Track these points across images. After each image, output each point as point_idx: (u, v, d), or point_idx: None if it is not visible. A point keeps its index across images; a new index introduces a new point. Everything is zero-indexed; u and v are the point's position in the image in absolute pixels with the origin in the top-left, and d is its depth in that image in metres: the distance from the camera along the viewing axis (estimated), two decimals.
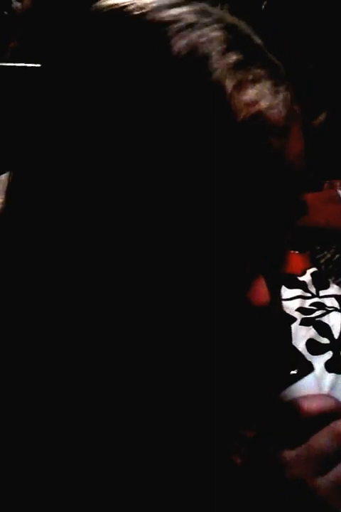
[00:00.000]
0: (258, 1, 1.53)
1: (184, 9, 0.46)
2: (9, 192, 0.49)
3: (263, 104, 0.44)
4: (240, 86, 0.43)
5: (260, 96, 0.44)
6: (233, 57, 0.44)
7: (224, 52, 0.44)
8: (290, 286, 1.20)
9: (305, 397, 0.49)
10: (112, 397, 0.47)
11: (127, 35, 0.45)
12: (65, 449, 0.47)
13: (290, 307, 1.15)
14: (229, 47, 0.44)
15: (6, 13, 2.29)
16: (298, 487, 0.47)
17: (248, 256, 0.45)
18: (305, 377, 0.50)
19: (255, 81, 0.44)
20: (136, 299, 0.45)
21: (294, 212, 0.48)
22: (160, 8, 0.46)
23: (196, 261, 0.44)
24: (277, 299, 0.52)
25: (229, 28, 0.46)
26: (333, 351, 1.09)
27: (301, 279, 1.24)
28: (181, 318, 0.45)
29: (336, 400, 0.51)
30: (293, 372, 0.51)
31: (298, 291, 1.20)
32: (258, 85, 0.44)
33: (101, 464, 0.48)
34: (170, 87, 0.43)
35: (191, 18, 0.45)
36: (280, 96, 0.45)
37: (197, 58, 0.43)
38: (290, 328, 1.08)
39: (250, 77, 0.44)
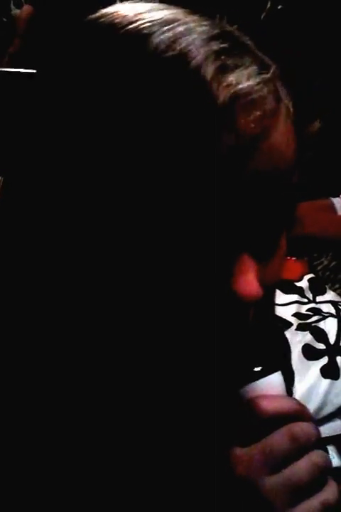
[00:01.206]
0: (257, 12, 1.54)
1: (167, 12, 0.46)
2: (4, 195, 0.49)
3: (244, 86, 0.44)
4: (220, 71, 0.43)
5: (241, 79, 0.44)
6: (214, 46, 0.44)
7: (206, 42, 0.44)
8: (287, 292, 1.20)
9: (265, 396, 0.48)
10: (111, 395, 0.47)
11: (111, 41, 0.45)
12: (64, 448, 0.47)
13: (287, 312, 1.15)
14: (211, 38, 0.45)
15: (4, 19, 2.31)
16: (244, 484, 0.46)
17: (235, 244, 0.45)
18: (270, 376, 0.49)
19: (236, 66, 0.44)
20: (132, 296, 0.45)
21: (285, 201, 0.47)
22: (143, 13, 0.46)
23: (186, 250, 0.44)
24: (271, 301, 0.52)
25: (212, 24, 0.46)
26: (329, 357, 1.08)
27: (298, 284, 1.24)
28: (177, 312, 0.45)
29: (296, 402, 0.50)
30: (256, 369, 0.49)
31: (295, 297, 1.19)
32: (239, 70, 0.44)
33: (100, 462, 0.48)
34: (151, 81, 0.43)
35: (173, 17, 0.46)
36: (264, 79, 0.45)
37: (177, 50, 0.43)
38: (283, 333, 1.07)
39: (231, 62, 0.44)
